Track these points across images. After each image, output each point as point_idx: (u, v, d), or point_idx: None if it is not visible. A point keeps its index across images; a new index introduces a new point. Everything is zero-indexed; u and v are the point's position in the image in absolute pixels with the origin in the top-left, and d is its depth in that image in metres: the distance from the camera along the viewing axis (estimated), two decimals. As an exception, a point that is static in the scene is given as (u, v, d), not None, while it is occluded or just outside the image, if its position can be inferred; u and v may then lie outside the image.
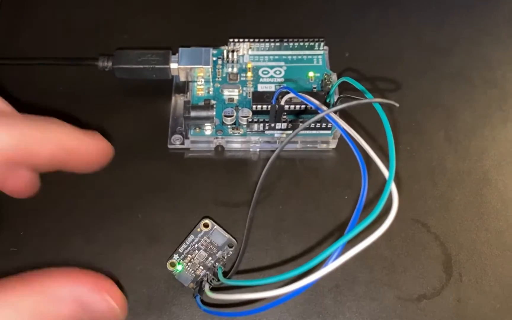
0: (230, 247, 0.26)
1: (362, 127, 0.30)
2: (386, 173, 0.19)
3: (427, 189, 0.29)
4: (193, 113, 0.29)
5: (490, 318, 0.25)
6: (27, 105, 0.31)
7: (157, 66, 0.31)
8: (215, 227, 0.26)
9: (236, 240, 0.27)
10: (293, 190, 0.29)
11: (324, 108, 0.24)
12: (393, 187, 0.19)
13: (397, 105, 0.20)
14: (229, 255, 0.26)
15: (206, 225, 0.26)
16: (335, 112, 0.23)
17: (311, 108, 0.28)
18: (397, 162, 0.29)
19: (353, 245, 0.17)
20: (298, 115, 0.30)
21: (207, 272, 0.25)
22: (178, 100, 0.32)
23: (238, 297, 0.22)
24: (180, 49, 0.31)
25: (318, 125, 0.29)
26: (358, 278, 0.26)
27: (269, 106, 0.29)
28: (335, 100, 0.28)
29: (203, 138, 0.30)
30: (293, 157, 0.30)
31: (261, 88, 0.31)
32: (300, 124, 0.29)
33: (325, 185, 0.29)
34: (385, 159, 0.20)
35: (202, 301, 0.24)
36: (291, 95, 0.26)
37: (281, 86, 0.27)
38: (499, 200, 0.28)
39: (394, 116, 0.31)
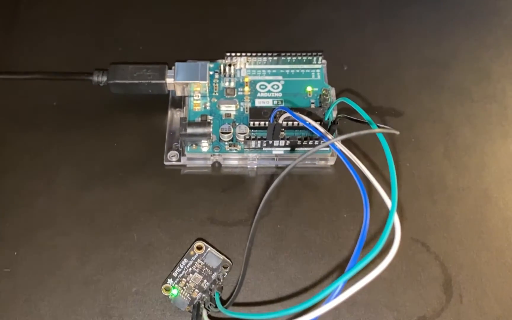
0: (225, 268, 0.26)
1: (361, 148, 0.30)
2: (389, 203, 0.19)
3: (426, 207, 0.28)
4: (189, 130, 0.28)
5: (490, 340, 0.25)
6: (22, 120, 0.31)
7: (153, 82, 0.30)
8: (208, 249, 0.26)
9: (231, 261, 0.26)
10: (291, 208, 0.28)
11: (330, 136, 0.23)
12: (396, 221, 0.18)
13: (398, 133, 0.20)
14: (224, 276, 0.25)
15: (199, 248, 0.26)
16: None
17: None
18: (397, 179, 0.29)
19: (353, 279, 0.17)
20: (297, 132, 0.29)
21: (203, 295, 0.24)
22: (174, 115, 0.31)
23: None
24: (176, 63, 0.31)
25: (316, 142, 0.28)
26: (357, 300, 0.26)
27: (267, 123, 0.28)
28: (334, 118, 0.28)
29: (200, 155, 0.29)
30: (292, 174, 0.29)
31: (258, 103, 0.31)
32: (299, 141, 0.28)
33: (324, 203, 0.29)
34: (386, 184, 0.19)
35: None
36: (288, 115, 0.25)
37: (279, 106, 0.27)
38: (499, 219, 0.28)
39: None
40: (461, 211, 0.28)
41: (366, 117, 0.23)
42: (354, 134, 0.18)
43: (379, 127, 0.23)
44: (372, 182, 0.20)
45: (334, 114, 0.29)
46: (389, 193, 0.19)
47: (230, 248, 0.27)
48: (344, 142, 0.23)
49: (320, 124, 0.26)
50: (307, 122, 0.23)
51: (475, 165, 0.30)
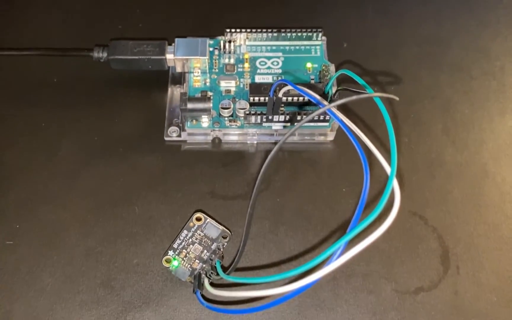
0: (224, 238, 0.26)
1: (361, 119, 0.30)
2: (388, 169, 0.19)
3: (425, 182, 0.29)
4: (189, 105, 0.28)
5: (487, 310, 0.25)
6: (23, 96, 0.31)
7: (153, 57, 0.30)
8: (208, 220, 0.26)
9: (230, 231, 0.26)
10: (290, 183, 0.29)
11: (325, 102, 0.23)
12: (395, 184, 0.18)
13: (397, 98, 0.20)
14: (224, 246, 0.26)
15: (198, 219, 0.26)
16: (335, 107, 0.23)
17: (309, 100, 0.28)
18: (397, 156, 0.30)
19: (353, 242, 0.17)
20: (297, 107, 0.29)
21: (204, 265, 0.25)
22: (174, 91, 0.31)
23: (240, 295, 0.22)
24: (176, 39, 0.31)
25: (316, 117, 0.28)
26: (355, 271, 0.26)
27: (267, 98, 0.28)
28: (334, 92, 0.28)
29: (200, 131, 0.30)
30: (291, 149, 0.30)
31: (258, 79, 0.31)
32: (299, 116, 0.28)
33: (323, 177, 0.29)
34: (386, 153, 0.19)
35: (202, 296, 0.24)
36: (289, 87, 0.26)
37: (279, 79, 0.27)
38: (496, 193, 0.28)
39: (393, 107, 0.31)
40: (459, 186, 0.29)
41: (368, 88, 0.23)
42: (352, 98, 0.18)
43: (381, 97, 0.23)
44: (371, 148, 0.20)
45: (334, 89, 0.29)
46: (388, 159, 0.19)
47: (230, 220, 0.27)
48: (345, 112, 0.23)
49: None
50: (309, 94, 0.24)
51: (473, 141, 0.30)
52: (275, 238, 0.27)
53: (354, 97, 0.18)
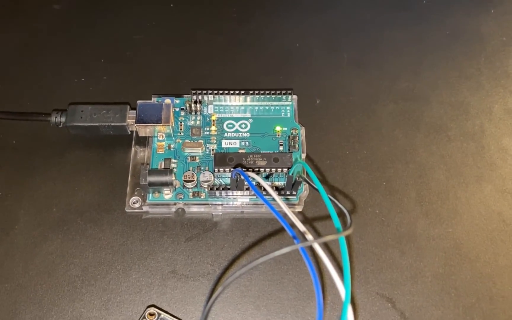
0: (181, 332, 0.25)
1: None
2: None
3: (395, 259, 0.28)
4: (150, 179, 0.27)
5: None
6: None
7: (113, 124, 0.29)
8: (161, 316, 0.25)
9: (186, 323, 0.26)
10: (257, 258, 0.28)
11: (305, 235, 0.22)
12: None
13: (351, 231, 0.19)
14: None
15: (152, 314, 0.25)
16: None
17: (276, 170, 0.27)
18: (365, 227, 0.29)
19: None
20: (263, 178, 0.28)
21: (160, 362, 0.24)
22: (138, 155, 0.30)
23: None
24: (138, 103, 0.29)
25: (282, 191, 0.27)
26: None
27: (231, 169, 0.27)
28: (297, 176, 0.27)
29: (163, 203, 0.28)
30: (258, 219, 0.29)
31: (225, 144, 0.30)
32: (264, 191, 0.27)
33: (290, 254, 0.28)
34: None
35: None
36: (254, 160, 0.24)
37: (236, 169, 0.26)
38: (469, 272, 0.27)
39: (364, 175, 0.30)
40: (430, 264, 0.28)
41: (321, 190, 0.22)
42: (319, 240, 0.17)
43: (332, 201, 0.21)
44: (331, 273, 0.19)
45: (304, 156, 0.28)
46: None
47: (191, 304, 0.26)
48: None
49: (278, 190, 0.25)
50: (264, 197, 0.22)
51: (448, 212, 0.29)
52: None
53: (319, 239, 0.17)
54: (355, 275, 0.27)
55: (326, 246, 0.27)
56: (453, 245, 0.28)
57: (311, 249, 0.23)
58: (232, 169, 0.27)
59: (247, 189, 0.27)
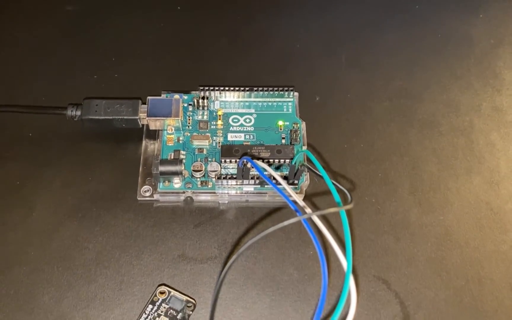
0: (189, 307, 0.27)
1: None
2: (344, 265, 0.20)
3: (390, 244, 0.29)
4: (161, 168, 0.29)
5: None
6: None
7: (126, 117, 0.31)
8: (171, 293, 0.27)
9: (194, 300, 0.27)
10: (260, 246, 0.29)
11: (308, 211, 0.24)
12: (352, 287, 0.19)
13: (352, 206, 0.21)
14: (190, 316, 0.27)
15: (162, 292, 0.27)
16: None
17: (279, 162, 0.29)
18: (362, 215, 0.30)
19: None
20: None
21: (172, 337, 0.26)
22: (149, 147, 0.32)
23: None
24: (149, 98, 0.31)
25: (285, 180, 0.29)
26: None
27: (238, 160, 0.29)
28: (300, 165, 0.28)
29: (172, 191, 0.30)
30: (261, 207, 0.30)
31: (231, 137, 0.32)
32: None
33: (291, 240, 0.30)
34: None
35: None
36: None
37: (244, 155, 0.27)
38: (459, 257, 0.29)
39: (361, 167, 0.32)
40: (423, 249, 0.29)
41: (323, 174, 0.23)
42: (322, 211, 0.19)
43: (335, 185, 0.23)
44: (333, 245, 0.21)
45: (304, 147, 0.30)
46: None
47: (199, 285, 0.28)
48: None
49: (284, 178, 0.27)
50: (270, 179, 0.24)
51: (439, 201, 0.31)
52: (244, 303, 0.28)
53: (322, 211, 0.19)
54: (353, 260, 0.29)
55: (329, 226, 0.28)
56: (444, 232, 0.30)
57: (315, 226, 0.24)
58: (238, 159, 0.29)
59: (252, 178, 0.29)
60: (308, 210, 0.23)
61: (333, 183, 0.23)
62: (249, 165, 0.27)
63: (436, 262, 0.29)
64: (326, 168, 0.31)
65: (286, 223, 0.20)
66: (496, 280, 0.29)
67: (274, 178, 0.26)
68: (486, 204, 0.31)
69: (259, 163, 0.26)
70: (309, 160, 0.28)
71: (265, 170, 0.27)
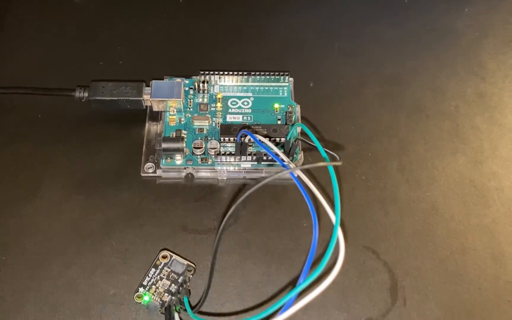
0: (190, 271, 0.28)
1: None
2: (333, 220, 0.21)
3: (379, 218, 0.31)
4: (164, 145, 0.31)
5: (429, 339, 0.28)
6: (9, 132, 0.33)
7: (131, 98, 0.33)
8: (173, 257, 0.29)
9: (194, 265, 0.29)
10: (257, 218, 0.31)
11: (285, 158, 0.26)
12: (340, 238, 0.21)
13: (340, 163, 0.22)
14: (190, 279, 0.28)
15: (164, 257, 0.29)
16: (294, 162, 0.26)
17: (274, 139, 0.31)
18: (354, 191, 0.32)
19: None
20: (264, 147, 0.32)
21: (173, 298, 0.27)
22: (151, 128, 0.34)
23: None
24: (152, 81, 0.33)
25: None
26: (312, 302, 0.28)
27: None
28: (294, 140, 0.30)
29: (174, 167, 0.32)
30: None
31: (229, 118, 0.33)
32: (265, 156, 0.31)
33: (287, 212, 0.31)
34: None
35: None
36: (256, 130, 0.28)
37: (242, 130, 0.29)
38: (444, 229, 0.31)
39: (353, 147, 0.34)
40: (410, 222, 0.31)
41: (316, 143, 0.25)
42: (310, 165, 0.21)
43: (327, 152, 0.25)
44: (321, 201, 0.23)
45: (299, 129, 0.32)
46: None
47: (200, 254, 0.30)
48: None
49: (280, 145, 0.29)
50: (267, 147, 0.26)
51: (426, 179, 0.33)
52: (241, 272, 0.29)
53: (309, 165, 0.21)
54: (344, 231, 0.31)
55: (322, 190, 0.30)
56: (430, 207, 0.32)
57: (308, 188, 0.26)
58: (236, 139, 0.30)
59: (249, 154, 0.31)
60: (301, 173, 0.25)
61: (325, 150, 0.25)
62: (247, 139, 0.29)
63: (422, 234, 0.31)
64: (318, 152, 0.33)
65: (281, 174, 0.22)
66: (478, 250, 0.30)
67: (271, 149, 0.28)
68: (470, 181, 0.33)
69: (257, 135, 0.28)
70: (303, 134, 0.30)
71: (262, 142, 0.28)
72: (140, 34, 0.39)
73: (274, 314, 0.22)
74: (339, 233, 0.21)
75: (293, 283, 0.29)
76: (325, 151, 0.25)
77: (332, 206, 0.22)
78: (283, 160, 0.27)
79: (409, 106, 0.36)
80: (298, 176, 0.25)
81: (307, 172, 0.29)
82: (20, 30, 0.38)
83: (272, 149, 0.26)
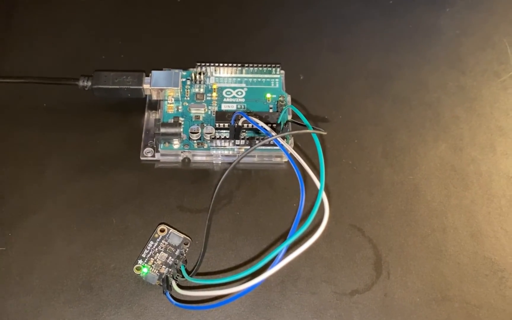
0: (186, 244, 0.30)
1: (307, 147, 0.34)
2: (318, 184, 0.23)
3: (364, 199, 0.33)
4: (162, 130, 0.33)
5: (411, 310, 0.30)
6: (16, 119, 0.35)
7: (131, 87, 0.35)
8: (170, 230, 0.31)
9: (190, 238, 0.31)
10: (249, 198, 0.33)
11: (273, 133, 0.28)
12: (324, 199, 0.23)
13: (325, 133, 0.25)
14: (186, 252, 0.30)
15: (162, 230, 0.31)
16: (282, 137, 0.28)
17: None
18: (340, 174, 0.34)
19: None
20: (255, 132, 0.34)
21: (170, 269, 0.29)
22: (150, 116, 0.36)
23: (202, 294, 0.28)
24: (152, 71, 0.35)
25: (273, 142, 0.33)
26: (301, 275, 0.30)
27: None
28: (284, 123, 0.32)
29: (172, 152, 0.34)
30: (251, 169, 0.34)
31: (224, 107, 0.35)
32: (257, 140, 0.33)
33: (277, 194, 0.33)
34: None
35: (171, 295, 0.29)
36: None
37: (238, 110, 0.31)
38: (426, 209, 0.33)
39: (340, 133, 0.36)
40: (393, 203, 0.33)
41: (305, 121, 0.27)
42: (293, 132, 0.23)
43: (314, 128, 0.28)
44: (306, 169, 0.25)
45: (289, 117, 0.34)
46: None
47: (195, 231, 0.31)
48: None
49: (273, 126, 0.31)
50: (259, 124, 0.28)
51: (409, 163, 0.35)
52: (234, 246, 0.31)
53: (293, 132, 0.23)
54: (332, 211, 0.32)
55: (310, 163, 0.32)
56: (413, 188, 0.34)
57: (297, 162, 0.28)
58: (231, 122, 0.32)
59: (243, 139, 0.33)
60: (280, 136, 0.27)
61: (313, 127, 0.27)
62: (241, 122, 0.31)
63: (405, 213, 0.33)
64: (306, 138, 0.35)
65: (270, 139, 0.24)
66: (458, 228, 0.32)
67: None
68: (451, 166, 0.35)
69: (251, 116, 0.30)
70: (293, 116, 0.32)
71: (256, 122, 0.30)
72: (141, 30, 0.41)
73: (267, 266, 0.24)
74: (323, 195, 0.23)
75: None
76: (313, 128, 0.27)
77: (318, 174, 0.24)
78: (272, 134, 0.29)
79: (393, 97, 0.38)
80: (290, 153, 0.27)
81: (297, 148, 0.31)
82: (29, 24, 0.40)
83: (263, 126, 0.28)
